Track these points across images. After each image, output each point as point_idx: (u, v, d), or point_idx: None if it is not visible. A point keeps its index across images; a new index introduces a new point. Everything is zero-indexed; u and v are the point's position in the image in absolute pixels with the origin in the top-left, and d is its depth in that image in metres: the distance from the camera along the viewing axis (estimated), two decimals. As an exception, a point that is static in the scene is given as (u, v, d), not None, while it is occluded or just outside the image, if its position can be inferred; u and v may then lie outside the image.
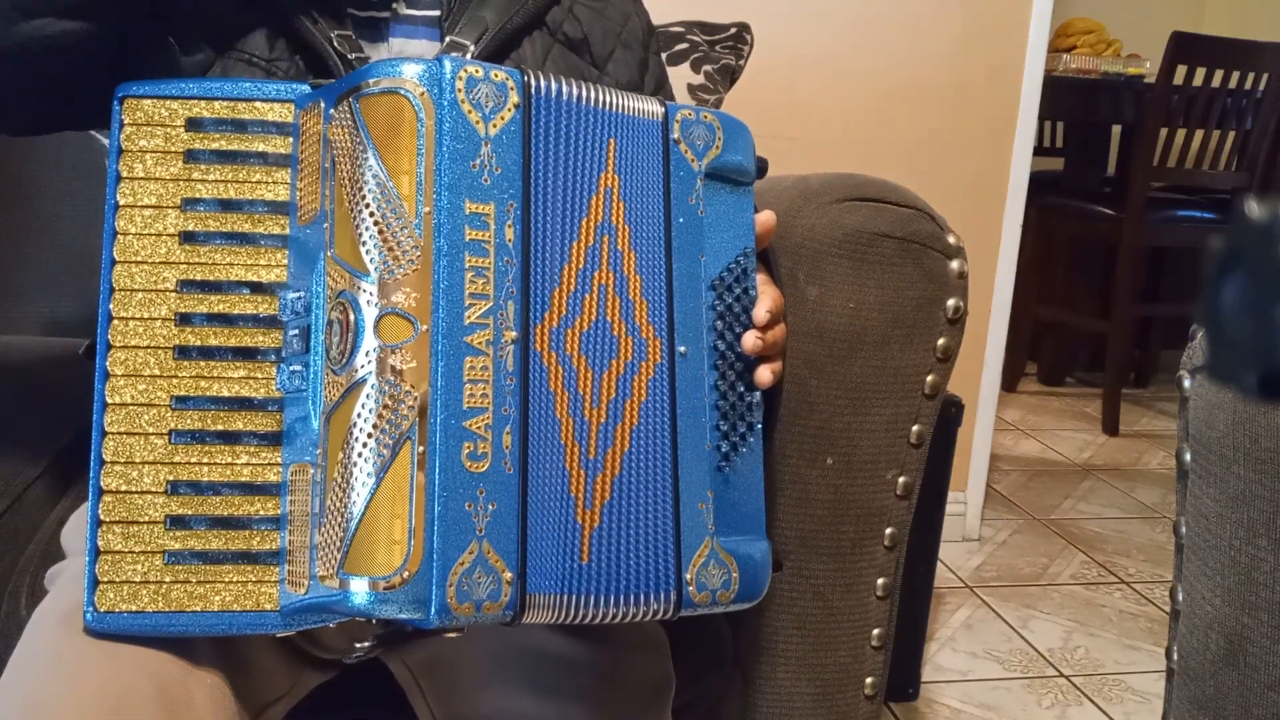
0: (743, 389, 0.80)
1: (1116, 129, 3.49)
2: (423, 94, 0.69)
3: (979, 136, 2.13)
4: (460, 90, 0.69)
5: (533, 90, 0.73)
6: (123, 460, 0.72)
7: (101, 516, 0.71)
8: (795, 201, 1.03)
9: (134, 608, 0.70)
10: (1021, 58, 2.10)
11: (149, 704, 0.69)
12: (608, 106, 0.76)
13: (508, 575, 0.68)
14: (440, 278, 0.68)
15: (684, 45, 1.55)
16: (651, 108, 0.78)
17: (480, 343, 0.69)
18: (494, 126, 0.71)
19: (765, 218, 0.84)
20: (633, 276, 0.76)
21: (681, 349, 0.77)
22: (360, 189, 0.69)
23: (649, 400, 0.75)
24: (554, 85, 0.74)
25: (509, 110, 0.71)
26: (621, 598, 0.73)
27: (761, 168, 0.83)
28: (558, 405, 0.72)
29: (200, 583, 0.71)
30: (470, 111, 0.70)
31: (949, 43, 2.07)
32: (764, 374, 0.80)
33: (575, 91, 0.74)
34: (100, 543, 0.71)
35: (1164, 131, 2.90)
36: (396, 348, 0.68)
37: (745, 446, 0.80)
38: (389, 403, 0.67)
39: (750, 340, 0.78)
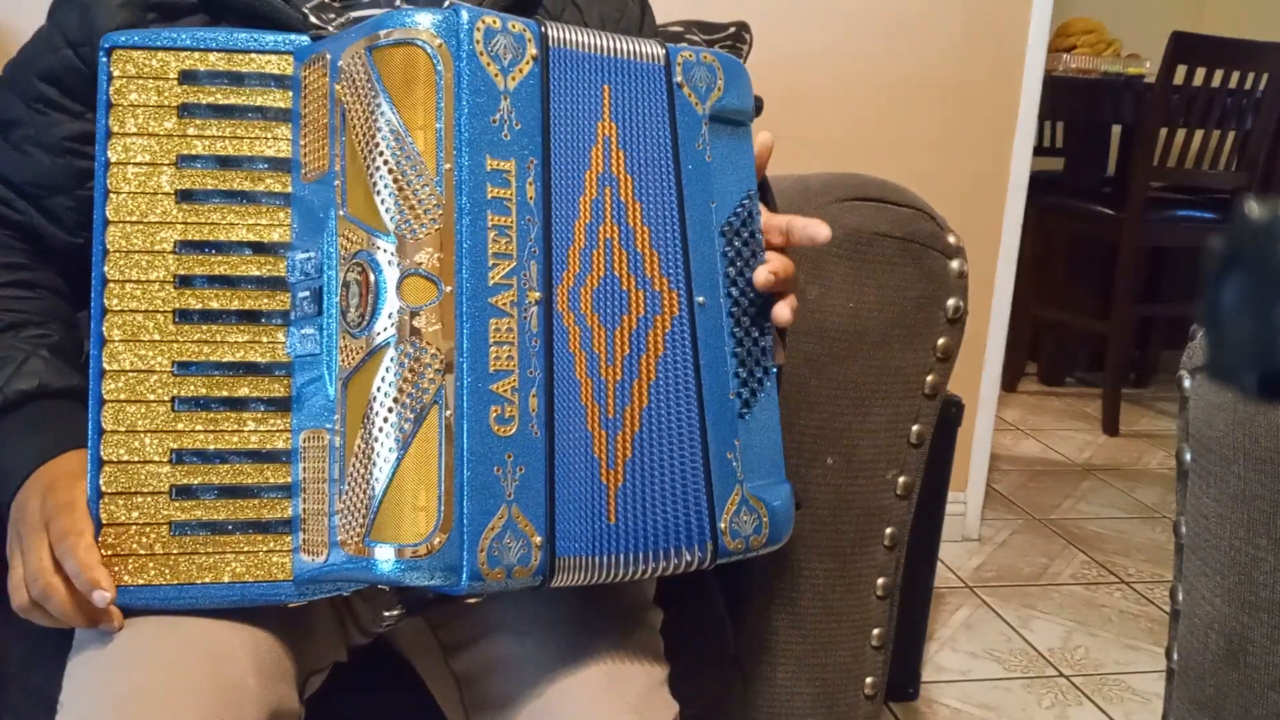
0: (757, 334, 0.78)
1: (1116, 129, 3.49)
2: (440, 45, 0.66)
3: (979, 136, 2.13)
4: (479, 42, 0.67)
5: (550, 41, 0.70)
6: (124, 429, 0.70)
7: (103, 488, 0.69)
8: (795, 201, 1.03)
9: (140, 581, 0.69)
10: (1021, 58, 2.10)
11: (201, 675, 0.68)
12: (606, 52, 0.73)
13: (537, 539, 0.66)
14: (464, 237, 0.66)
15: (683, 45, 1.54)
16: (651, 50, 0.75)
17: (505, 304, 0.67)
18: (513, 80, 0.68)
19: (765, 139, 0.81)
20: (639, 228, 0.73)
21: (700, 299, 0.75)
22: (376, 145, 0.66)
23: (667, 353, 0.73)
24: (570, 35, 0.71)
25: (527, 63, 0.69)
26: (654, 553, 0.71)
27: (759, 106, 0.81)
28: (576, 366, 0.70)
29: (210, 554, 0.69)
30: (489, 64, 0.67)
31: (949, 43, 2.07)
32: (782, 310, 0.78)
33: (589, 41, 0.72)
34: (103, 515, 0.69)
35: (1164, 131, 2.89)
36: (420, 310, 0.65)
37: (763, 391, 0.78)
38: (414, 366, 0.65)
39: (763, 275, 0.76)
